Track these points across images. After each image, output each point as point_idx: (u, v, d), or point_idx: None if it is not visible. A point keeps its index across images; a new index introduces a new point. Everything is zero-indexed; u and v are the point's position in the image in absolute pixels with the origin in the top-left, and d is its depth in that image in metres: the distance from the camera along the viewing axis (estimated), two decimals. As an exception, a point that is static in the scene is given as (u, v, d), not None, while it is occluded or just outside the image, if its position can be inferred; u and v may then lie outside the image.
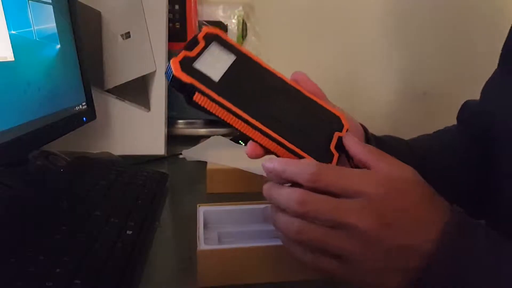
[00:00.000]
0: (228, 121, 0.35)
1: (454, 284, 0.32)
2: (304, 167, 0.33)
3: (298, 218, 0.33)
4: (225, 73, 0.35)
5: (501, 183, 0.47)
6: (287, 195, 0.33)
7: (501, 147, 0.47)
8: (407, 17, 1.07)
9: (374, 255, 0.32)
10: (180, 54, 0.34)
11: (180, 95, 0.34)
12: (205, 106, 0.34)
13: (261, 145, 0.35)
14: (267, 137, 0.35)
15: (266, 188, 0.35)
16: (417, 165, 0.51)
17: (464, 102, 0.58)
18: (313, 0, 1.04)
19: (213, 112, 0.34)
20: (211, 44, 0.36)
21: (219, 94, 0.34)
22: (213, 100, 0.33)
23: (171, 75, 0.33)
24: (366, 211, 0.31)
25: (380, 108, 1.13)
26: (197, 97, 0.33)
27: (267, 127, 0.35)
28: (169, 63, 0.33)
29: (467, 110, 0.58)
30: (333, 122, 0.39)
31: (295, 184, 0.34)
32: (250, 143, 0.36)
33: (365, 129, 0.47)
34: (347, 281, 0.34)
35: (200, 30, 0.36)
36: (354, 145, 0.36)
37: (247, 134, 0.35)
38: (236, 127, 0.35)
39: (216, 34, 0.37)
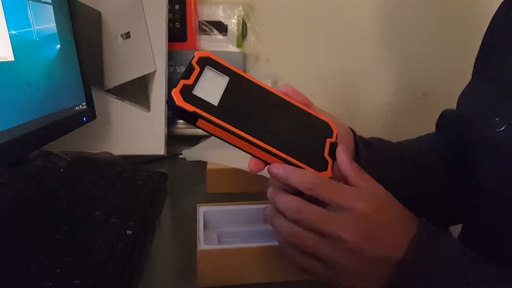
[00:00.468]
0: (230, 142, 0.37)
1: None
2: (304, 176, 0.37)
3: (293, 224, 0.37)
4: (222, 96, 0.37)
5: (479, 184, 0.50)
6: (286, 202, 0.37)
7: (477, 151, 0.50)
8: (408, 17, 1.06)
9: (355, 263, 0.36)
10: (179, 84, 0.35)
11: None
12: (208, 130, 0.36)
13: (262, 159, 0.38)
14: (268, 153, 0.37)
15: (270, 192, 0.38)
16: (405, 165, 0.55)
17: (442, 111, 0.62)
18: (313, 0, 1.04)
19: (216, 134, 0.36)
20: (205, 69, 0.38)
21: (220, 118, 0.36)
22: (215, 124, 0.36)
23: (174, 106, 0.35)
24: (352, 225, 0.35)
25: (380, 108, 1.13)
26: (200, 123, 0.36)
27: (267, 144, 0.37)
28: (170, 94, 0.35)
29: (445, 118, 0.62)
30: (324, 129, 0.42)
31: (296, 189, 0.37)
32: (251, 159, 0.38)
33: (354, 133, 0.50)
34: (329, 282, 0.39)
35: (192, 57, 0.38)
36: (343, 162, 0.39)
37: (249, 151, 0.37)
38: (239, 146, 0.37)
39: (208, 57, 0.39)
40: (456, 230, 0.58)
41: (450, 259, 0.37)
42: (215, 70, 0.38)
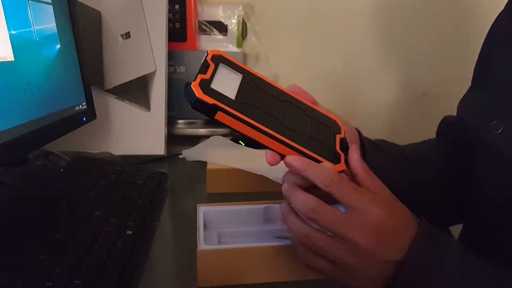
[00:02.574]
0: (248, 135, 0.37)
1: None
2: (323, 172, 0.37)
3: (307, 224, 0.37)
4: (238, 91, 0.38)
5: (479, 185, 0.51)
6: (303, 200, 0.37)
7: (476, 154, 0.51)
8: (408, 17, 1.07)
9: (364, 266, 0.37)
10: (197, 78, 0.36)
11: (202, 114, 0.36)
12: (227, 123, 0.36)
13: (278, 152, 0.38)
14: (285, 145, 0.38)
15: (285, 188, 0.39)
16: (409, 166, 0.56)
17: (443, 118, 0.63)
18: (313, 1, 1.04)
19: (234, 127, 0.36)
20: (219, 65, 0.38)
21: (239, 111, 0.36)
22: (234, 117, 0.36)
23: (194, 98, 0.35)
24: (366, 229, 0.36)
25: (380, 108, 1.13)
26: (219, 116, 0.36)
27: (285, 137, 0.38)
28: (189, 87, 0.35)
29: (445, 123, 0.63)
30: (332, 126, 0.43)
31: (312, 184, 0.37)
32: (268, 151, 0.39)
33: (359, 132, 0.51)
34: (336, 282, 0.39)
35: (206, 54, 0.38)
36: (355, 160, 0.40)
37: (267, 145, 0.38)
38: (256, 139, 0.37)
39: (220, 55, 0.39)
40: (456, 230, 0.59)
41: (449, 261, 0.37)
42: (228, 68, 0.39)
